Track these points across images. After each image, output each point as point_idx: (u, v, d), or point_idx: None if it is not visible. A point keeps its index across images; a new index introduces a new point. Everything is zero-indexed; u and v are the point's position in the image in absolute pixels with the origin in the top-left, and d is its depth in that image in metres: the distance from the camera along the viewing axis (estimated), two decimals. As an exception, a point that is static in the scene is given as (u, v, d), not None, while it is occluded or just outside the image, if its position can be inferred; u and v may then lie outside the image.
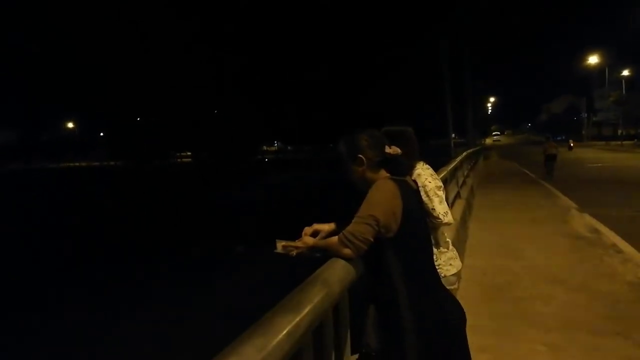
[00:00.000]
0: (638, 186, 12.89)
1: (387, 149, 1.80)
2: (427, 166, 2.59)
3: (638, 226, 7.41)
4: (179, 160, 74.97)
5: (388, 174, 1.79)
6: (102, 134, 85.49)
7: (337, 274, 1.54)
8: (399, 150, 1.83)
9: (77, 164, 75.78)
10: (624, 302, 4.13)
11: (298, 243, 1.87)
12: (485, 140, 68.85)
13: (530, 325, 3.75)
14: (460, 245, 5.92)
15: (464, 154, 11.69)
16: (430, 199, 2.36)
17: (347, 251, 1.63)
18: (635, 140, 43.51)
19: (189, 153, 76.72)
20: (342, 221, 1.99)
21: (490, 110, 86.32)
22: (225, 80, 61.57)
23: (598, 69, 57.40)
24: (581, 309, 4.03)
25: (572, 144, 35.80)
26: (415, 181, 1.91)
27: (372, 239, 1.62)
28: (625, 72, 53.10)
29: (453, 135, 27.65)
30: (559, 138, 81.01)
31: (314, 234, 2.09)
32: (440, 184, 2.53)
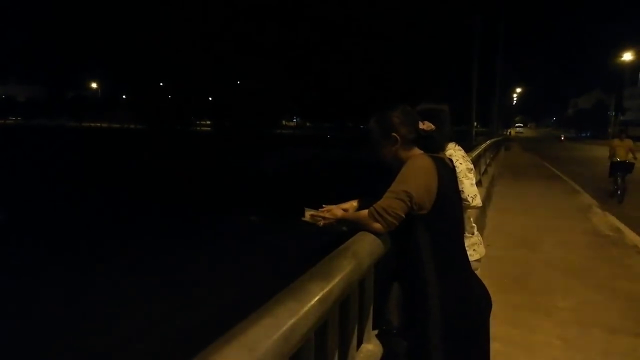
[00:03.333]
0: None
1: (421, 125, 1.74)
2: (459, 147, 2.52)
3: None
4: (197, 128, 75.37)
5: (421, 151, 1.74)
6: (124, 97, 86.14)
7: (367, 247, 1.51)
8: (432, 126, 1.76)
9: (99, 124, 76.78)
10: (644, 304, 4.06)
11: (326, 214, 1.83)
12: (508, 131, 67.79)
13: (545, 318, 3.71)
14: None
15: (488, 142, 11.51)
16: (460, 180, 2.30)
17: (377, 226, 1.59)
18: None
19: (208, 122, 77.02)
20: (366, 198, 1.95)
21: (515, 101, 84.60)
22: (250, 51, 61.20)
23: (631, 66, 55.60)
24: (599, 307, 3.97)
25: (562, 137, 34.90)
26: (451, 160, 1.85)
27: (403, 215, 1.57)
28: (660, 72, 51.37)
29: (475, 123, 27.18)
30: (583, 135, 79.41)
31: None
32: (471, 166, 2.48)
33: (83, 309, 6.11)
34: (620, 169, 9.95)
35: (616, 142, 10.29)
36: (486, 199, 7.86)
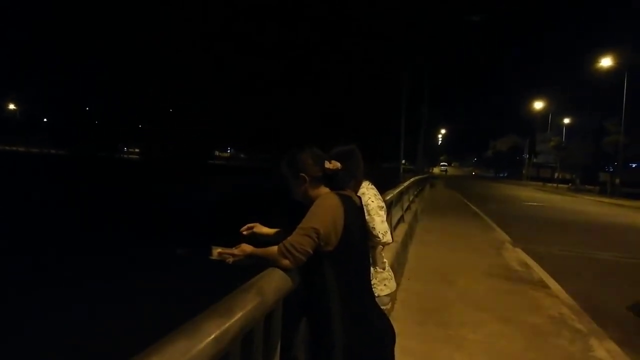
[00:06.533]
0: (567, 226, 13.72)
1: (327, 164, 1.84)
2: (372, 186, 2.65)
3: (565, 264, 7.84)
4: (124, 155, 72.53)
5: (328, 189, 1.83)
6: (45, 120, 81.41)
7: (274, 283, 1.54)
8: (338, 165, 1.87)
9: (15, 148, 71.58)
10: (545, 335, 4.35)
11: (235, 250, 1.83)
12: (433, 169, 71.30)
13: (456, 350, 3.87)
14: (399, 267, 6.05)
15: (412, 179, 11.99)
16: (371, 218, 2.41)
17: (285, 262, 1.64)
18: (570, 184, 46.18)
19: (137, 150, 74.35)
20: (286, 229, 2.00)
21: (440, 141, 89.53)
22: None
23: (543, 113, 61.05)
24: (506, 339, 4.20)
25: (474, 173, 37.11)
26: (360, 198, 1.95)
27: (311, 251, 1.63)
28: (567, 120, 56.74)
29: (403, 160, 28.37)
30: (501, 175, 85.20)
31: (252, 238, 2.08)
32: (383, 204, 2.59)
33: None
34: None
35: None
36: (409, 234, 8.16)
